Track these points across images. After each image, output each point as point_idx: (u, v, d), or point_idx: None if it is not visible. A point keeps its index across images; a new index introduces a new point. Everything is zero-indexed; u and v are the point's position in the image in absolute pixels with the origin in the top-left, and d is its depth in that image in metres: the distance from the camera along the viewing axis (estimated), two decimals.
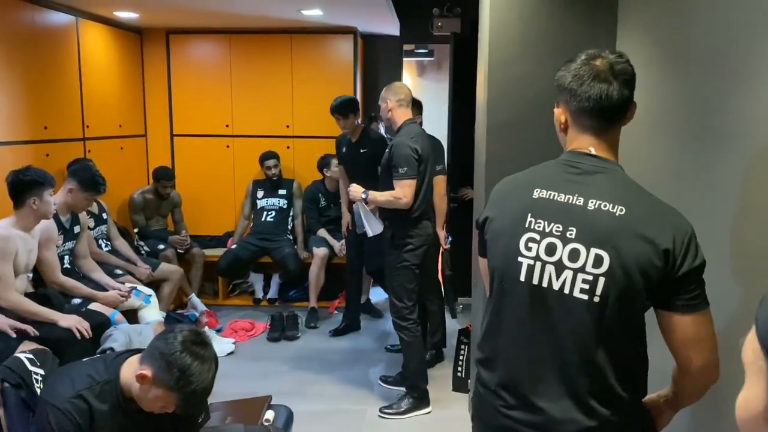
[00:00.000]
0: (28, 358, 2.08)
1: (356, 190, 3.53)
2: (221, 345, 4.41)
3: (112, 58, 5.05)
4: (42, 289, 3.37)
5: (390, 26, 5.35)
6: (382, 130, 5.04)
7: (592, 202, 1.33)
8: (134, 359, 1.88)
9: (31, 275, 3.36)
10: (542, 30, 2.86)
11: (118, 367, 1.87)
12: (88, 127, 4.66)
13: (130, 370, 1.84)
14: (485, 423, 1.51)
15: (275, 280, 5.36)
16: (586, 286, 1.31)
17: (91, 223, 4.14)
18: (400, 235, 3.43)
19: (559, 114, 1.45)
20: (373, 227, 3.56)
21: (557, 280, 1.34)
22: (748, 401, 0.72)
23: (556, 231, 1.35)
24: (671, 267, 1.28)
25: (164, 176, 5.08)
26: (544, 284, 1.35)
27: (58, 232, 3.50)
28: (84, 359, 1.96)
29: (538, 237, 1.37)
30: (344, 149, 4.45)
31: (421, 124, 4.91)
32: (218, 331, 4.70)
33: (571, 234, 1.33)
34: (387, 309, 4.84)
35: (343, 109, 4.31)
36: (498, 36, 2.90)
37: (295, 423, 2.83)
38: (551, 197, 1.38)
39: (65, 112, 4.42)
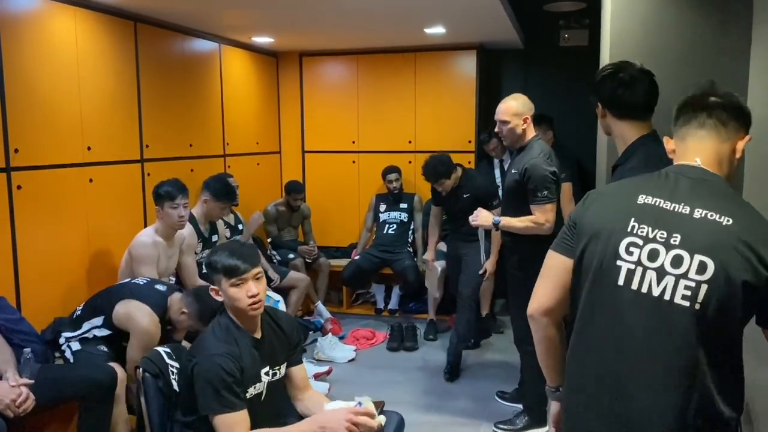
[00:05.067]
0: (165, 352, 2.32)
1: (485, 217, 3.32)
2: (343, 351, 4.59)
3: (250, 80, 5.47)
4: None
5: (513, 40, 5.33)
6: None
7: (698, 211, 1.34)
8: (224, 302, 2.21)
9: (174, 279, 3.72)
10: (666, 40, 2.74)
11: (226, 313, 2.20)
12: (228, 144, 5.07)
13: (227, 306, 2.18)
14: (567, 427, 1.52)
15: (396, 291, 5.49)
16: (688, 293, 1.30)
17: (228, 233, 4.49)
18: (528, 257, 3.18)
19: (669, 145, 1.52)
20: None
21: (657, 286, 1.34)
22: None
23: (660, 237, 1.35)
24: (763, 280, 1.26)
25: (295, 189, 5.39)
26: (644, 290, 1.35)
27: (198, 240, 3.83)
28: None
29: (640, 242, 1.37)
30: (443, 192, 4.24)
31: (551, 140, 4.82)
32: (341, 338, 4.89)
33: (675, 240, 1.34)
34: (508, 325, 4.80)
35: (443, 172, 4.15)
36: (619, 47, 2.82)
37: None
38: (656, 203, 1.39)
39: (208, 131, 4.84)
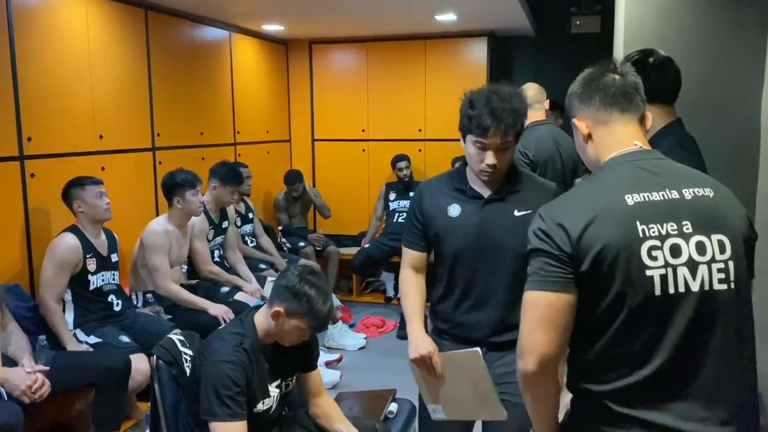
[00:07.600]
0: (179, 340, 2.33)
1: None
2: (353, 339, 4.61)
3: (260, 68, 5.45)
4: (194, 281, 3.73)
5: (525, 27, 5.29)
6: None
7: (686, 191, 1.31)
8: (262, 308, 2.14)
9: (185, 268, 3.74)
10: (682, 25, 2.71)
11: (251, 319, 2.13)
12: (238, 132, 5.08)
13: (262, 318, 2.11)
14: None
15: None
16: (722, 275, 1.27)
17: (238, 221, 4.50)
18: None
19: (582, 125, 1.46)
20: None
21: (694, 280, 1.26)
22: None
23: (672, 230, 1.27)
24: (754, 232, 1.33)
25: (289, 181, 5.34)
26: (681, 289, 1.26)
27: (209, 227, 3.85)
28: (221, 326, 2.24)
29: (658, 243, 1.26)
30: (453, 205, 2.11)
31: (562, 126, 4.81)
32: (351, 326, 4.91)
33: (687, 228, 1.28)
34: None
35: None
36: (633, 32, 2.78)
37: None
38: (647, 199, 1.29)
39: (219, 120, 4.85)
